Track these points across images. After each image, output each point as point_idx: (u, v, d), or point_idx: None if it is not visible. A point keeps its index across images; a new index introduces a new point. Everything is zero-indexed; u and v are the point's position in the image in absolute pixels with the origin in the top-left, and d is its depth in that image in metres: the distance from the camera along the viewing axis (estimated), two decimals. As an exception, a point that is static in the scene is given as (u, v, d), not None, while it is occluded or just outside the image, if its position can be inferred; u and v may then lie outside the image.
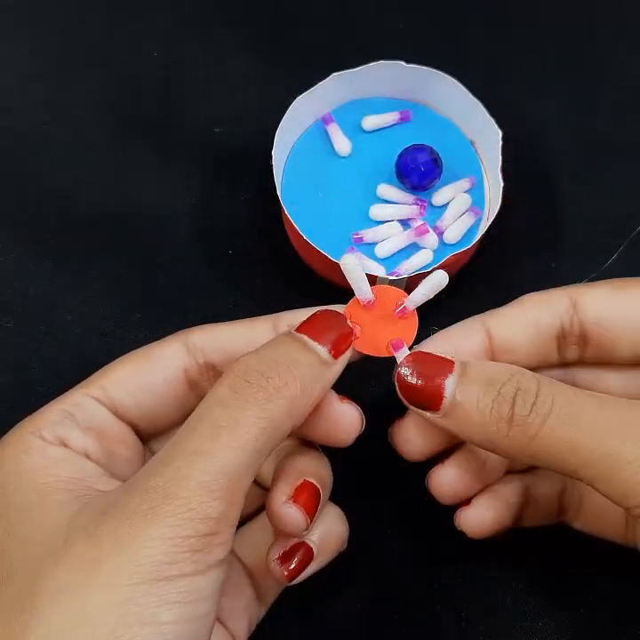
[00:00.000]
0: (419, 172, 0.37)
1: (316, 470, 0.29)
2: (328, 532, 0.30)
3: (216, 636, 0.29)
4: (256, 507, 0.32)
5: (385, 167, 0.39)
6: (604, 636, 0.33)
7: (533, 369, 0.28)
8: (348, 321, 0.29)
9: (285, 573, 0.29)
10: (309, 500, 0.28)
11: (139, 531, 0.23)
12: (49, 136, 0.42)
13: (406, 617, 0.34)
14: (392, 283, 0.36)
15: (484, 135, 0.39)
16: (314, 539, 0.29)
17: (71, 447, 0.27)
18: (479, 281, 0.39)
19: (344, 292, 0.39)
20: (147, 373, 0.29)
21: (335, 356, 0.27)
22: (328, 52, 0.44)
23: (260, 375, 0.25)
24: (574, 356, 0.31)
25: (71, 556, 0.23)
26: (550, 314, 0.30)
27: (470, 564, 0.34)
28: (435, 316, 0.33)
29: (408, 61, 0.39)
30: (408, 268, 0.37)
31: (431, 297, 0.29)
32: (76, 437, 0.27)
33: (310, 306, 0.30)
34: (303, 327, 0.27)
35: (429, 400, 0.27)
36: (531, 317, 0.30)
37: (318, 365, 0.27)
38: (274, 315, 0.30)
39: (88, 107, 0.43)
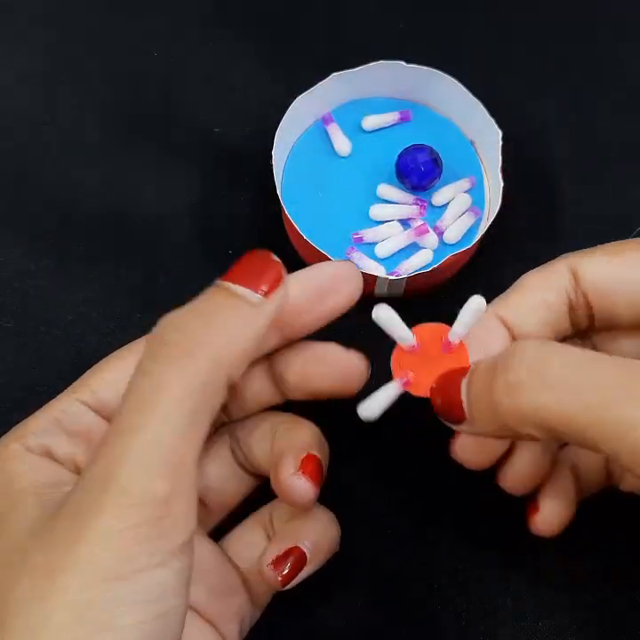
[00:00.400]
0: (419, 171, 0.37)
1: (316, 442, 0.29)
2: (321, 536, 0.30)
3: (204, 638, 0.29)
4: (244, 494, 0.32)
5: (385, 167, 0.39)
6: (604, 636, 0.33)
7: None
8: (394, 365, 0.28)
9: (279, 579, 0.29)
10: (315, 471, 0.28)
11: (85, 528, 0.21)
12: (49, 136, 0.42)
13: (406, 617, 0.34)
14: (392, 283, 0.36)
15: (483, 135, 0.39)
16: (306, 543, 0.29)
17: (57, 455, 0.27)
18: (479, 281, 0.39)
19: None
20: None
21: (266, 296, 0.25)
22: (328, 52, 0.44)
23: (176, 331, 0.24)
24: (585, 325, 0.31)
25: (30, 565, 0.22)
26: (556, 291, 0.30)
27: (470, 565, 0.34)
28: (434, 315, 0.33)
29: (408, 61, 0.39)
30: (408, 267, 0.37)
31: (473, 325, 0.28)
32: (63, 445, 0.27)
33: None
34: (228, 275, 0.26)
35: (455, 413, 0.27)
36: (539, 299, 0.30)
37: (247, 309, 0.25)
38: None
39: (88, 107, 0.43)
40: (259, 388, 0.30)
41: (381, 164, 0.39)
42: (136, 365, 0.24)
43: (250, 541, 0.31)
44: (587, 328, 0.31)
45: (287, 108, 0.38)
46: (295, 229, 0.36)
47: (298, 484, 0.28)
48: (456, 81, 0.38)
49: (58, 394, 0.29)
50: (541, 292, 0.30)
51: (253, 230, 0.40)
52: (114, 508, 0.21)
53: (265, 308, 0.25)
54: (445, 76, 0.39)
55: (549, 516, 0.31)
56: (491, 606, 0.34)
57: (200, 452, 0.23)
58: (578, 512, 0.34)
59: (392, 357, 0.29)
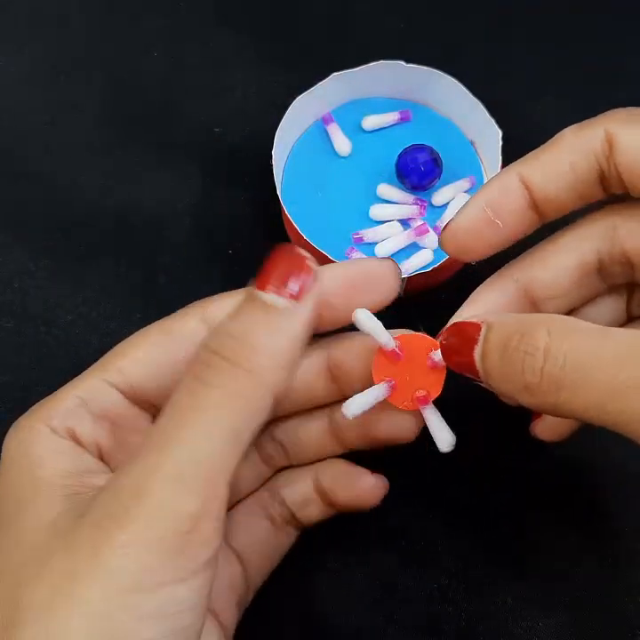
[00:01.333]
0: (419, 171, 0.38)
1: None
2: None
3: (205, 630, 0.28)
4: (255, 486, 0.32)
5: (385, 167, 0.39)
6: (605, 636, 0.33)
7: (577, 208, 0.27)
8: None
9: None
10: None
11: (111, 537, 0.21)
12: (49, 136, 0.42)
13: (406, 617, 0.34)
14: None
15: (483, 135, 0.39)
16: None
17: (81, 439, 0.26)
18: (479, 281, 0.39)
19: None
20: (166, 351, 0.28)
21: (297, 299, 0.24)
22: (328, 52, 0.44)
23: (216, 355, 0.23)
24: (620, 191, 0.28)
25: (51, 568, 0.22)
26: (585, 155, 0.27)
27: (470, 564, 0.34)
28: (434, 315, 0.33)
29: (408, 61, 0.39)
30: (408, 267, 0.37)
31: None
32: (88, 428, 0.26)
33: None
34: (258, 280, 0.24)
35: (471, 374, 0.26)
36: (566, 161, 0.27)
37: (278, 320, 0.24)
38: None
39: (88, 107, 0.43)
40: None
41: (381, 164, 0.39)
42: (177, 383, 0.24)
43: (245, 522, 0.31)
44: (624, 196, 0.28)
45: (287, 108, 0.38)
46: (295, 229, 0.36)
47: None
48: (456, 81, 0.38)
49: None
50: (569, 155, 0.27)
51: (253, 230, 0.40)
52: (142, 520, 0.21)
53: (299, 312, 0.24)
54: (445, 75, 0.39)
55: (553, 422, 0.30)
56: (491, 606, 0.34)
57: (235, 471, 0.23)
58: (576, 513, 0.34)
59: (374, 361, 0.28)
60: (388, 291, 0.28)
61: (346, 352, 0.29)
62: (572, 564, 0.34)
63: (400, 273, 0.28)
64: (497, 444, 0.36)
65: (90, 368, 0.28)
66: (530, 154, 0.29)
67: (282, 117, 0.38)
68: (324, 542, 0.33)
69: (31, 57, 0.44)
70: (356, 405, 0.27)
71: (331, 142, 0.40)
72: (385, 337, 0.28)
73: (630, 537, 0.35)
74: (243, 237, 0.40)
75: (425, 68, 0.39)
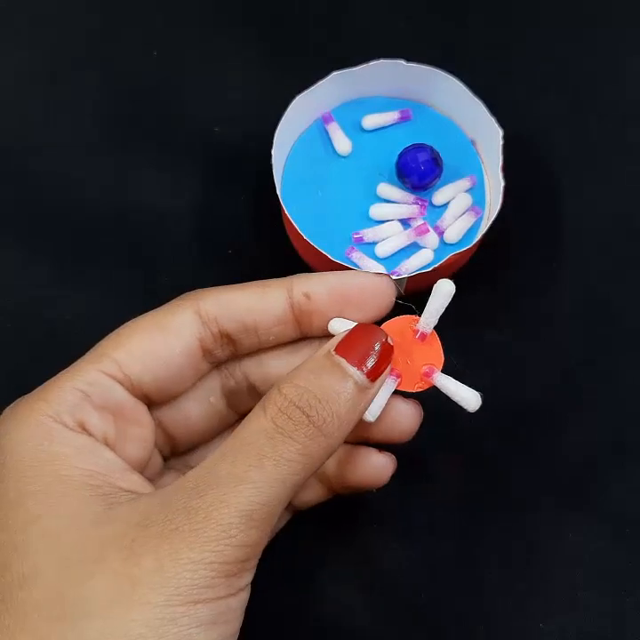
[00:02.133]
0: (419, 171, 0.37)
1: None
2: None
3: None
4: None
5: (385, 167, 0.39)
6: (605, 636, 0.33)
7: None
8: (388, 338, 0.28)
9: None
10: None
11: (180, 553, 0.23)
12: (49, 136, 0.42)
13: (406, 617, 0.34)
14: (392, 282, 0.36)
15: (484, 134, 0.39)
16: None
17: (91, 432, 0.27)
18: (479, 281, 0.39)
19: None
20: (162, 345, 0.28)
21: (372, 380, 0.27)
22: (328, 52, 0.44)
23: (301, 412, 0.26)
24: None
25: (108, 569, 0.23)
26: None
27: (470, 565, 0.34)
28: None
29: (408, 60, 0.39)
30: (408, 267, 0.37)
31: (442, 310, 0.28)
32: (95, 422, 0.27)
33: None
34: (342, 348, 0.27)
35: None
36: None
37: (355, 395, 0.26)
38: (288, 278, 0.30)
39: (88, 107, 0.43)
40: None
41: (381, 163, 0.39)
42: (253, 420, 0.26)
43: None
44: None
45: (287, 107, 0.38)
46: (295, 229, 0.36)
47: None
48: (457, 80, 0.38)
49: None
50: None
51: (253, 230, 0.40)
52: (213, 543, 0.23)
53: (370, 392, 0.27)
54: (446, 74, 0.38)
55: None
56: (491, 607, 0.34)
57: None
58: (577, 512, 0.34)
59: None
60: (380, 307, 0.29)
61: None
62: (571, 564, 0.34)
63: (395, 288, 0.29)
64: (496, 438, 0.36)
65: (82, 358, 0.28)
66: None
67: (282, 117, 0.37)
68: (324, 542, 0.33)
69: (31, 57, 0.44)
70: (374, 409, 0.28)
71: (331, 142, 0.40)
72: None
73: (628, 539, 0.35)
74: (243, 237, 0.40)
75: (425, 66, 0.39)
